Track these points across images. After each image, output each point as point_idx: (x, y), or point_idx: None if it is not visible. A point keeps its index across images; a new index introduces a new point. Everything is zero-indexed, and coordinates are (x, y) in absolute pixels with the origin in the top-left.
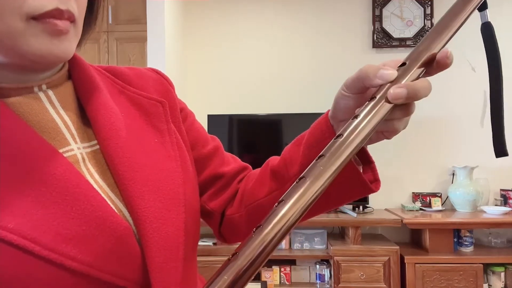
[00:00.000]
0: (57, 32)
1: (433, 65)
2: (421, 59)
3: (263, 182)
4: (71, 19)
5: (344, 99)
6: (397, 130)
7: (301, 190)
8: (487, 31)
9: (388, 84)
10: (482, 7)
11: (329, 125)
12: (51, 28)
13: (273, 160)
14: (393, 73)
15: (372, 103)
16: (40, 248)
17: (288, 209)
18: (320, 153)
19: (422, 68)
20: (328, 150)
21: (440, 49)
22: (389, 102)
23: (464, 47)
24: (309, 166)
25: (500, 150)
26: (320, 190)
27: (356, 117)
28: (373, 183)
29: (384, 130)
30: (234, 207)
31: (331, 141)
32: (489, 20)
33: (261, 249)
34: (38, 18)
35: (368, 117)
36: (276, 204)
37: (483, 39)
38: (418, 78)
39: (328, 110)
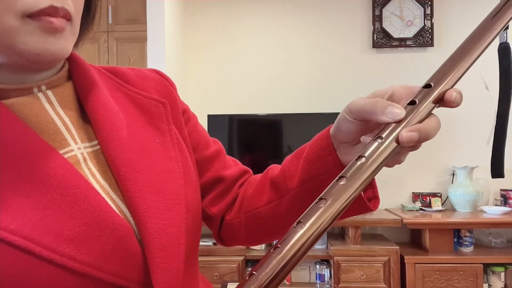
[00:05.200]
0: (53, 30)
1: (442, 101)
2: (430, 96)
3: (262, 191)
4: (67, 17)
5: (347, 123)
6: (401, 162)
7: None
8: (504, 52)
9: (394, 124)
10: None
11: (329, 142)
12: (46, 25)
13: (274, 169)
14: (401, 113)
15: (377, 143)
16: (41, 249)
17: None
18: (320, 196)
19: (433, 105)
20: (328, 192)
21: (453, 85)
22: (398, 143)
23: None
24: (308, 209)
25: (497, 171)
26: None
27: (360, 157)
28: (372, 201)
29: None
30: (233, 212)
31: (333, 182)
32: (507, 41)
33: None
34: (33, 16)
35: (373, 158)
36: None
37: (499, 60)
38: (428, 114)
39: (330, 126)
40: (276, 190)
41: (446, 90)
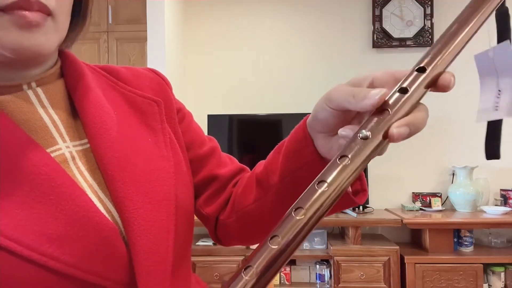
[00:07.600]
0: (27, 24)
1: (435, 86)
2: (423, 83)
3: (250, 189)
4: (44, 11)
5: (325, 112)
6: (382, 154)
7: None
8: (503, 17)
9: (376, 119)
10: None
11: (306, 133)
12: (20, 20)
13: (259, 166)
14: (384, 92)
15: (362, 139)
16: (22, 249)
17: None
18: (294, 205)
19: (424, 90)
20: (304, 200)
21: (446, 67)
22: (385, 138)
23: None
24: (282, 220)
25: (492, 152)
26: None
27: (342, 157)
28: (359, 194)
29: None
30: (227, 212)
31: (311, 184)
32: (506, 6)
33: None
34: (5, 9)
35: (357, 158)
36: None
37: (497, 26)
38: (417, 102)
39: (307, 116)
40: (261, 187)
41: (440, 73)
